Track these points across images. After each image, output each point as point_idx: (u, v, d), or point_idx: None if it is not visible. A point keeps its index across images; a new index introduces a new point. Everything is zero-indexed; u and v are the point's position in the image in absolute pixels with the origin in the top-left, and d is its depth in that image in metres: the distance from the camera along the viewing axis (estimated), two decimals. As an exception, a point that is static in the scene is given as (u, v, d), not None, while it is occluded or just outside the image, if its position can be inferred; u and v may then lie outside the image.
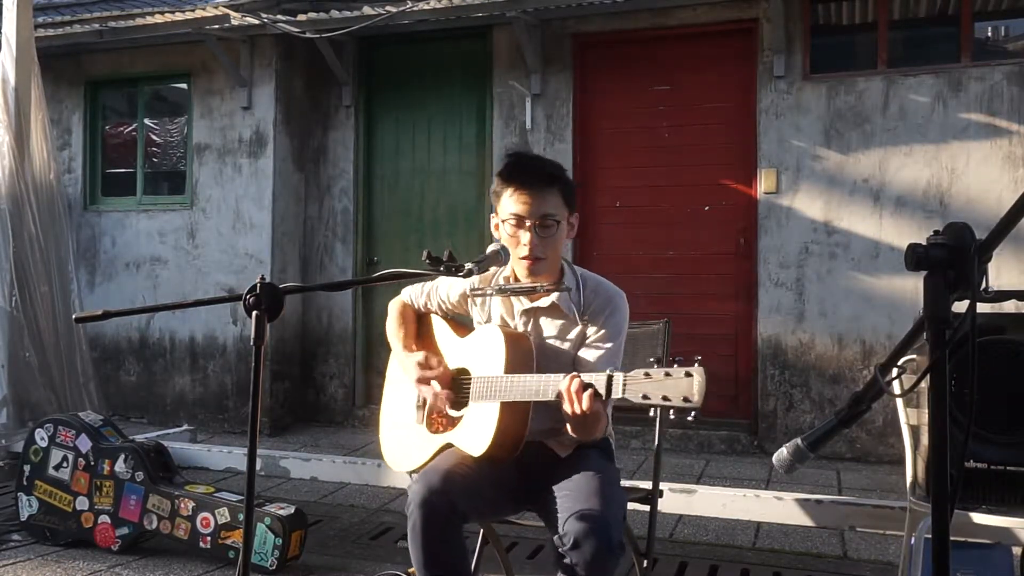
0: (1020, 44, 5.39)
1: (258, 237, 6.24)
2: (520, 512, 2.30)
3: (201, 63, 6.46)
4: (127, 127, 7.00)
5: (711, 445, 5.40)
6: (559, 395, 1.87)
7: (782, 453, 1.76)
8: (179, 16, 6.07)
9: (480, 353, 2.15)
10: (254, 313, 1.62)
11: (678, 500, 3.87)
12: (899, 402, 2.64)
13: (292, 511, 3.28)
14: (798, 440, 1.74)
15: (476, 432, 2.08)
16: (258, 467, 4.68)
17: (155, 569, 3.27)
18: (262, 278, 1.65)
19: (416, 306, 2.42)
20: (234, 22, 5.83)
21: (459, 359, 2.25)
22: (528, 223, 2.10)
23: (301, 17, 5.88)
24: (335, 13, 5.83)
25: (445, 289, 2.33)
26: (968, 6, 5.15)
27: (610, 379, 1.79)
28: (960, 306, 1.29)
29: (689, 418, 1.70)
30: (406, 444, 2.29)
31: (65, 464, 3.52)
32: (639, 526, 2.44)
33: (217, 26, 5.94)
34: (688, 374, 1.68)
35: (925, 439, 2.42)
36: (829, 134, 5.30)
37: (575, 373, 1.87)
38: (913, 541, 2.37)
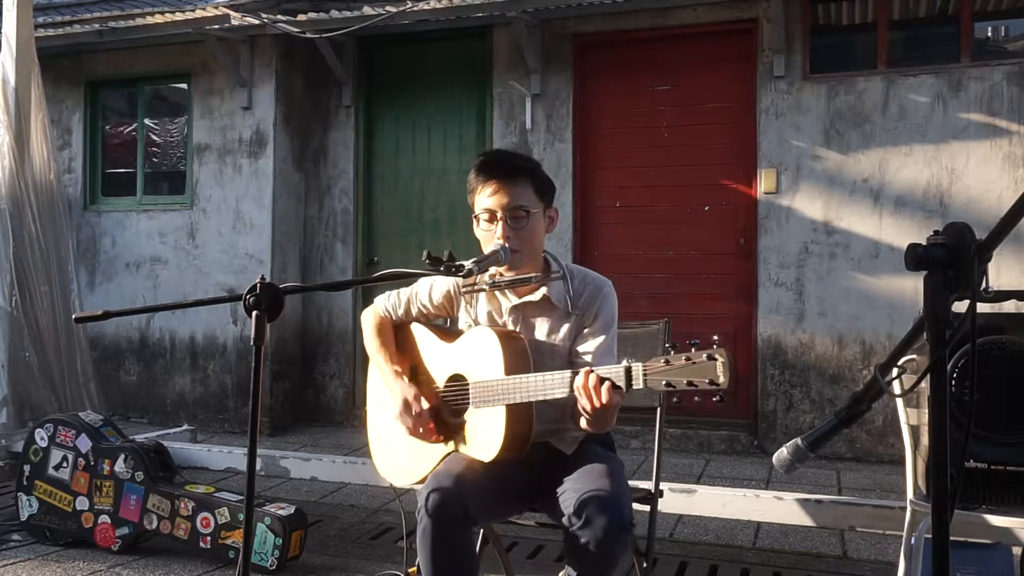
0: (1020, 44, 5.39)
1: (258, 237, 6.25)
2: (528, 511, 2.30)
3: (201, 63, 6.46)
4: (127, 127, 7.00)
5: (711, 445, 5.40)
6: (575, 391, 1.86)
7: (782, 453, 1.76)
8: (179, 16, 6.07)
9: (475, 357, 2.12)
10: (254, 313, 1.61)
11: (678, 500, 3.87)
12: (899, 402, 2.64)
13: (292, 511, 3.28)
14: (798, 440, 1.74)
15: (484, 438, 2.05)
16: (258, 467, 4.68)
17: (155, 569, 3.27)
18: (262, 278, 1.65)
19: (394, 317, 2.36)
20: (234, 22, 5.83)
21: (451, 365, 2.20)
22: (500, 215, 2.10)
23: (301, 17, 5.88)
24: (335, 13, 5.84)
25: (426, 292, 2.29)
26: (968, 6, 5.15)
27: (629, 371, 1.77)
28: (960, 306, 1.29)
29: (716, 399, 1.69)
30: (402, 456, 2.26)
31: (65, 464, 3.53)
32: (639, 526, 2.43)
33: (217, 26, 5.94)
34: (711, 357, 1.65)
35: (925, 439, 2.42)
36: (829, 134, 5.30)
37: (589, 368, 1.85)
38: (913, 541, 2.37)
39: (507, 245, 2.07)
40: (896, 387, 2.38)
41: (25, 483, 3.58)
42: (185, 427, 5.82)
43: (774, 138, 5.39)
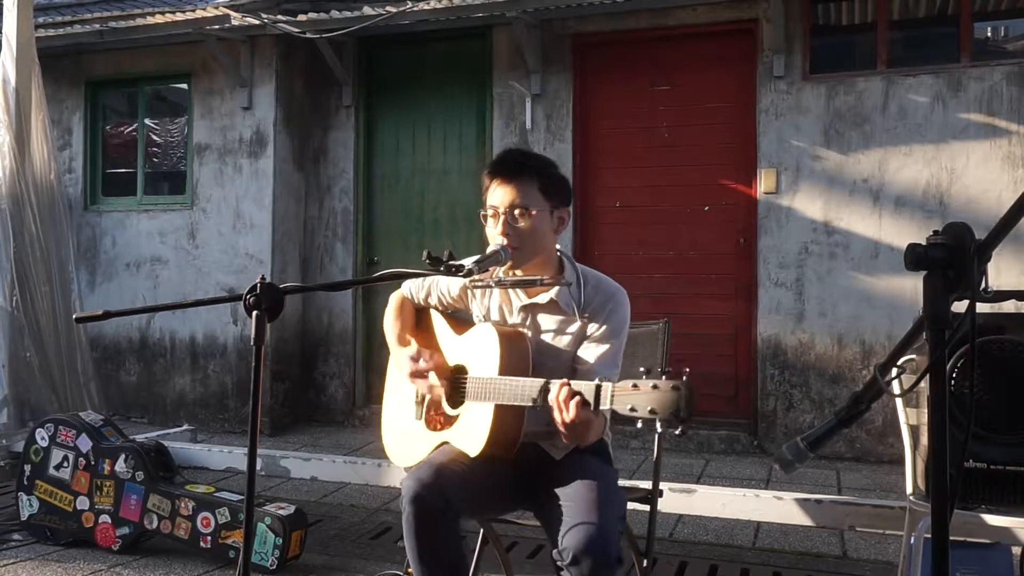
0: (1020, 44, 5.39)
1: (258, 237, 6.25)
2: (517, 511, 2.30)
3: (201, 63, 6.46)
4: (127, 127, 7.00)
5: (711, 445, 5.40)
6: (549, 403, 1.86)
7: (782, 453, 1.76)
8: (179, 16, 6.07)
9: (476, 352, 2.15)
10: (254, 313, 1.61)
11: (678, 500, 3.87)
12: (899, 402, 2.64)
13: (292, 511, 3.28)
14: (798, 440, 1.74)
15: (472, 432, 2.08)
16: (258, 467, 4.69)
17: (155, 569, 3.27)
18: (262, 278, 1.65)
19: (416, 300, 2.41)
20: (234, 22, 5.83)
21: (457, 356, 2.25)
22: (501, 211, 2.11)
23: (301, 17, 5.89)
24: (335, 13, 5.84)
25: (446, 283, 2.32)
26: (968, 6, 5.16)
27: (599, 388, 1.77)
28: (960, 306, 1.29)
29: (676, 432, 1.68)
30: (405, 439, 2.30)
31: (66, 464, 3.53)
32: (639, 526, 2.45)
33: (217, 26, 5.94)
34: (676, 388, 1.63)
35: (925, 439, 2.43)
36: (829, 134, 5.30)
37: (565, 380, 1.84)
38: (913, 541, 2.37)
39: (506, 243, 2.07)
40: (896, 387, 2.38)
41: (26, 483, 3.58)
42: (185, 427, 5.83)
43: (774, 138, 5.40)
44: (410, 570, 2.09)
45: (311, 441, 5.86)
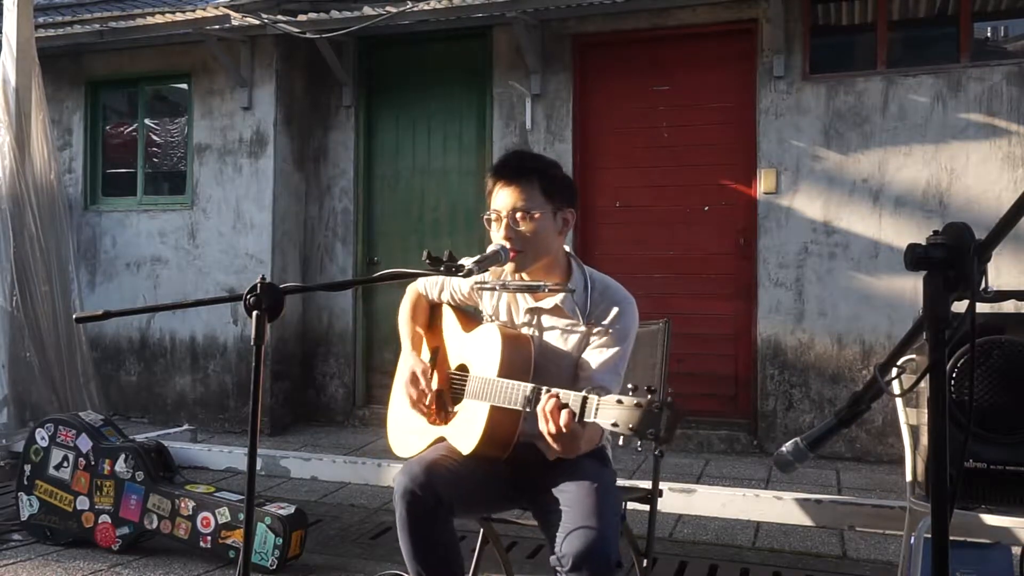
0: (1020, 44, 5.39)
1: (258, 237, 6.25)
2: (514, 510, 2.30)
3: (201, 63, 6.46)
4: (127, 127, 7.00)
5: (711, 445, 5.40)
6: (536, 412, 1.85)
7: (782, 453, 1.76)
8: (179, 16, 6.07)
9: (479, 352, 2.15)
10: (254, 313, 1.62)
11: (678, 500, 3.87)
12: (899, 402, 2.64)
13: (292, 511, 3.28)
14: (798, 440, 1.74)
15: (467, 430, 2.09)
16: (258, 467, 4.69)
17: (155, 569, 3.27)
18: (262, 278, 1.65)
19: (429, 296, 2.43)
20: (234, 22, 5.83)
21: (461, 354, 2.27)
22: (504, 214, 2.11)
23: (301, 17, 5.89)
24: (335, 13, 5.84)
25: (458, 281, 2.31)
26: (968, 6, 5.16)
27: (585, 400, 1.75)
28: (960, 306, 1.29)
29: (656, 452, 1.68)
30: (407, 431, 2.32)
31: (66, 464, 3.53)
32: (639, 526, 2.45)
33: (217, 26, 5.94)
34: (659, 408, 1.61)
35: (924, 439, 2.43)
36: (829, 134, 5.30)
37: (555, 392, 1.82)
38: (913, 541, 2.37)
39: (508, 246, 2.07)
40: (896, 387, 2.38)
41: (26, 483, 3.58)
42: (185, 427, 5.83)
43: (774, 138, 5.40)
44: (407, 568, 2.09)
45: (311, 441, 5.86)
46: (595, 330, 2.12)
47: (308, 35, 5.91)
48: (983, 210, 4.93)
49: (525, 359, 2.09)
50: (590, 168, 5.89)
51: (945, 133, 5.09)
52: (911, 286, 5.01)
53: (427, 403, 2.24)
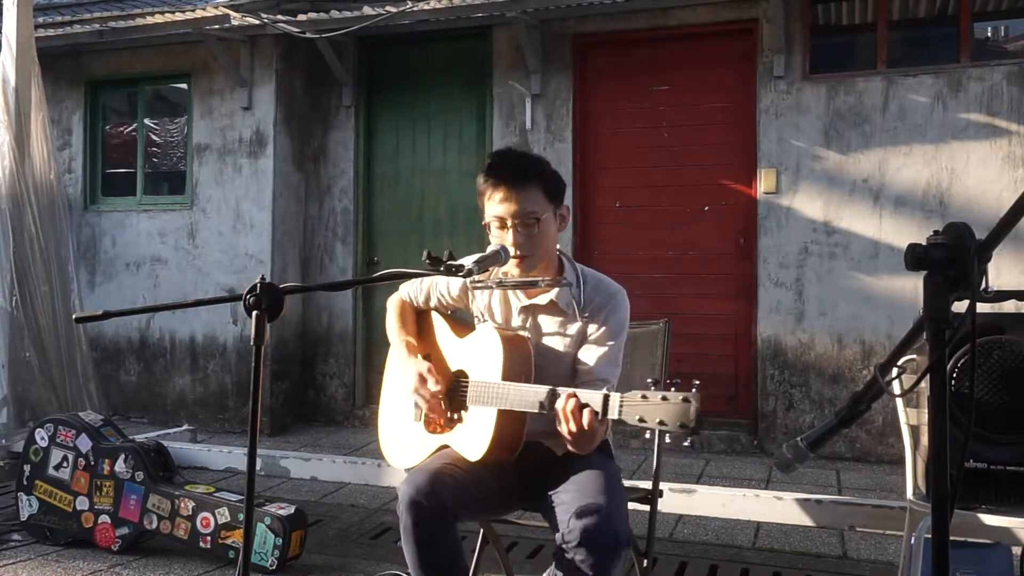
0: (1020, 44, 5.39)
1: (258, 237, 6.25)
2: (518, 511, 2.30)
3: (201, 63, 6.46)
4: (127, 127, 7.00)
5: (711, 445, 5.40)
6: (555, 414, 1.86)
7: (782, 453, 1.76)
8: (179, 16, 6.07)
9: (478, 356, 2.14)
10: (254, 313, 1.61)
11: (678, 500, 3.87)
12: (899, 402, 2.64)
13: (292, 511, 3.28)
14: (798, 440, 1.74)
15: (473, 437, 2.07)
16: (258, 467, 4.69)
17: (155, 569, 3.27)
18: (262, 278, 1.65)
19: (415, 303, 2.39)
20: (234, 22, 5.83)
21: (458, 360, 2.24)
22: (510, 223, 2.10)
23: (301, 17, 5.88)
24: (335, 13, 5.83)
25: (445, 283, 2.30)
26: (968, 6, 5.16)
27: (606, 399, 1.78)
28: (960, 306, 1.29)
29: (685, 443, 1.70)
30: (404, 442, 2.29)
31: (65, 464, 3.53)
32: (639, 526, 2.44)
33: (217, 26, 5.94)
34: (686, 400, 1.66)
35: (925, 439, 2.42)
36: (829, 134, 5.30)
37: (572, 392, 1.84)
38: (913, 541, 2.37)
39: (518, 251, 2.08)
40: (896, 387, 2.38)
41: (25, 483, 3.58)
42: (185, 427, 5.83)
43: (774, 138, 5.40)
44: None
45: (311, 441, 5.86)
46: (590, 325, 2.14)
47: (308, 35, 5.91)
48: (983, 210, 4.93)
49: (526, 360, 2.09)
50: (590, 168, 5.89)
51: (945, 133, 5.08)
52: (911, 286, 5.00)
53: (441, 401, 2.16)
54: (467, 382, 2.14)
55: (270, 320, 1.63)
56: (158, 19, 6.10)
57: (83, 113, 6.92)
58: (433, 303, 2.36)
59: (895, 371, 1.61)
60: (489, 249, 2.04)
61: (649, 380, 1.74)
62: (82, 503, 3.48)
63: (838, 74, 5.34)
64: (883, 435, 5.07)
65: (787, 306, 5.35)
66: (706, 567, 3.36)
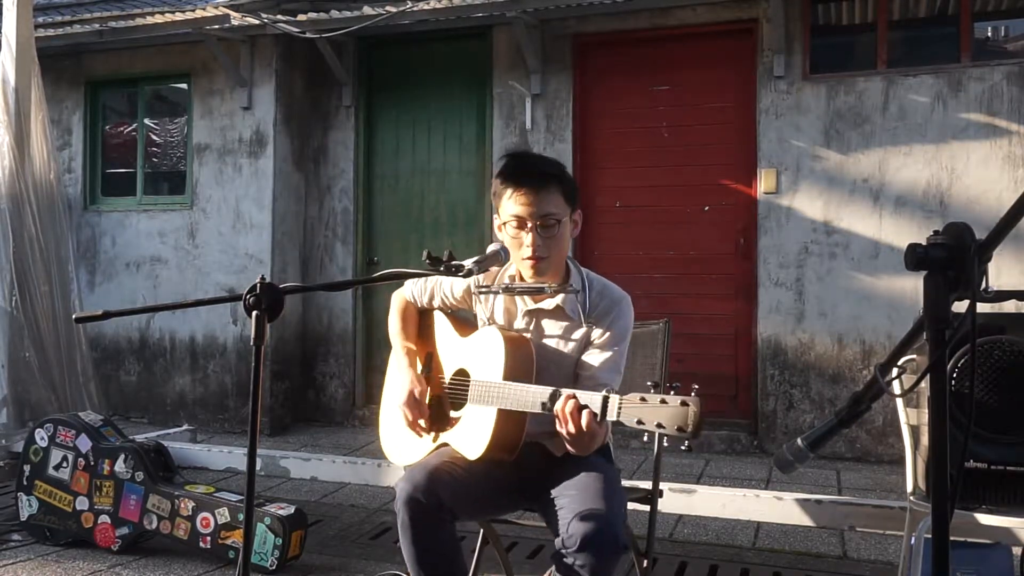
0: (1020, 44, 5.39)
1: (258, 237, 6.25)
2: (517, 511, 2.30)
3: (201, 63, 6.46)
4: (127, 127, 7.00)
5: (711, 445, 5.40)
6: (554, 415, 1.86)
7: (782, 453, 1.76)
8: (179, 16, 6.07)
9: (480, 356, 2.14)
10: (254, 313, 1.61)
11: (678, 500, 3.87)
12: (899, 402, 2.64)
13: (292, 511, 3.28)
14: (798, 440, 1.74)
15: (472, 435, 2.08)
16: (258, 467, 4.69)
17: (155, 569, 3.27)
18: (262, 278, 1.65)
19: (419, 303, 2.39)
20: (234, 22, 5.83)
21: (459, 359, 2.25)
22: (529, 224, 2.09)
23: (301, 17, 5.88)
24: (335, 13, 5.83)
25: (449, 284, 2.31)
26: (968, 6, 5.15)
27: (606, 400, 1.78)
28: (960, 306, 1.29)
29: (683, 447, 1.70)
30: (404, 439, 2.30)
31: (65, 464, 3.53)
32: (639, 526, 2.44)
33: (217, 26, 5.94)
34: (684, 403, 1.67)
35: (925, 439, 2.42)
36: (829, 134, 5.30)
37: (571, 393, 1.85)
38: (913, 541, 2.37)
39: (535, 252, 2.09)
40: (896, 387, 2.38)
41: (25, 483, 3.58)
42: (185, 427, 5.83)
43: (774, 138, 5.39)
44: (409, 575, 2.09)
45: (311, 441, 5.86)
46: (595, 330, 2.14)
47: (308, 35, 5.91)
48: (983, 210, 4.93)
49: (528, 361, 2.09)
50: (590, 168, 5.89)
51: (945, 133, 5.08)
52: (911, 286, 5.00)
53: (423, 426, 2.19)
54: (468, 381, 2.14)
55: (270, 320, 1.63)
56: (158, 19, 6.10)
57: (83, 113, 6.92)
58: (437, 303, 2.37)
59: (895, 371, 1.61)
60: (489, 249, 2.04)
61: (649, 383, 1.74)
62: (82, 503, 3.48)
63: (838, 74, 5.34)
64: (883, 435, 5.07)
65: (787, 306, 5.35)
66: (706, 567, 3.36)
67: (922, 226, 5.03)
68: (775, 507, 3.75)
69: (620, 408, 1.75)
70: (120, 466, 3.45)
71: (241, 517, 3.24)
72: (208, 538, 3.31)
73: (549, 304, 2.17)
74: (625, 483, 2.36)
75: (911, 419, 2.56)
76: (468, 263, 1.89)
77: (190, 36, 6.14)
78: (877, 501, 3.87)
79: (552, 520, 2.00)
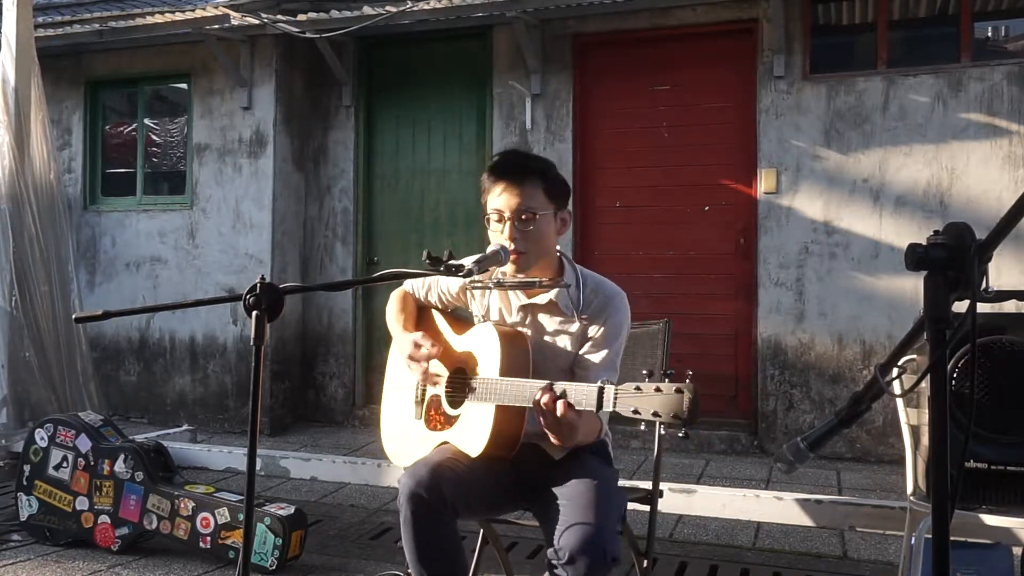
0: (1020, 44, 5.39)
1: (258, 237, 6.24)
2: (517, 511, 2.30)
3: (201, 63, 6.46)
4: (127, 127, 7.00)
5: (711, 445, 5.40)
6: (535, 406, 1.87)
7: (782, 453, 1.76)
8: (179, 16, 6.06)
9: (477, 353, 2.15)
10: (254, 313, 1.61)
11: (678, 500, 3.87)
12: (899, 402, 2.64)
13: (292, 511, 3.28)
14: (798, 440, 1.74)
15: (473, 432, 2.08)
16: (258, 467, 4.69)
17: (155, 569, 3.27)
18: (262, 278, 1.65)
19: (417, 296, 2.41)
20: (234, 22, 5.83)
21: (456, 357, 2.24)
22: (507, 217, 2.11)
23: (301, 17, 5.88)
24: (335, 13, 5.83)
25: (446, 281, 2.31)
26: (968, 6, 5.15)
27: (601, 391, 1.78)
28: (960, 306, 1.29)
29: (680, 434, 1.69)
30: (404, 439, 2.30)
31: (65, 464, 3.53)
32: (639, 526, 2.44)
33: (217, 26, 5.94)
34: (679, 390, 1.65)
35: (925, 439, 2.42)
36: (829, 134, 5.30)
37: (548, 384, 1.86)
38: (913, 541, 2.37)
39: (513, 246, 2.08)
40: (896, 387, 2.38)
41: (25, 483, 3.58)
42: (185, 427, 5.83)
43: (774, 138, 5.39)
44: (411, 571, 2.09)
45: (311, 441, 5.86)
46: (590, 327, 2.14)
47: (308, 35, 5.91)
48: (984, 210, 4.93)
49: (524, 355, 2.10)
50: (590, 168, 5.89)
51: (945, 133, 5.08)
52: (912, 286, 5.00)
53: (434, 351, 2.16)
54: (465, 379, 2.14)
55: (270, 320, 1.63)
56: (158, 19, 6.09)
57: (83, 113, 6.92)
58: (434, 299, 2.37)
59: (895, 371, 1.61)
60: (489, 249, 2.04)
61: (644, 372, 1.74)
62: (82, 503, 3.48)
63: (838, 74, 5.33)
64: (883, 435, 5.07)
65: (787, 306, 5.35)
66: (706, 567, 3.36)
67: (922, 226, 5.03)
68: (775, 507, 3.75)
69: (616, 398, 1.75)
70: (120, 466, 3.45)
71: (241, 517, 3.24)
72: (208, 538, 3.31)
73: (542, 299, 2.17)
74: (625, 483, 2.36)
75: (911, 419, 2.55)
76: (468, 263, 1.89)
77: (190, 36, 6.14)
78: (877, 501, 3.87)
79: (546, 525, 2.00)
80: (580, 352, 2.14)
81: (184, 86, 6.68)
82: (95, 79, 6.91)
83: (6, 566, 3.26)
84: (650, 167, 5.75)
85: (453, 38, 6.19)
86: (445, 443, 2.17)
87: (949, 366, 2.27)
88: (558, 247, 2.25)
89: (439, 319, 2.37)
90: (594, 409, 1.80)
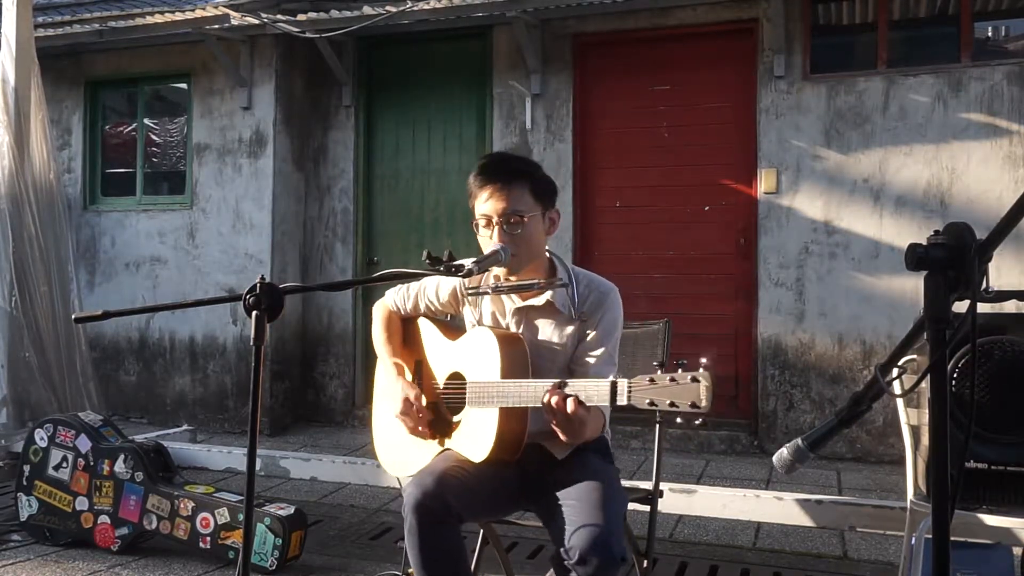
0: (1020, 44, 5.38)
1: (258, 237, 6.24)
2: (519, 511, 2.30)
3: (201, 63, 6.46)
4: (127, 127, 6.99)
5: (711, 445, 5.40)
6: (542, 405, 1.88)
7: (782, 453, 1.76)
8: (179, 16, 6.06)
9: (474, 357, 2.13)
10: (254, 313, 1.61)
11: (678, 500, 3.87)
12: (899, 402, 2.64)
13: (292, 511, 3.28)
14: (798, 440, 1.74)
15: (476, 438, 2.06)
16: (258, 467, 4.68)
17: (155, 569, 3.27)
18: (262, 278, 1.65)
19: (402, 311, 2.38)
20: (234, 22, 5.83)
21: (452, 363, 2.22)
22: (496, 221, 2.10)
23: (301, 17, 5.88)
24: (335, 13, 5.83)
25: (433, 289, 2.31)
26: (968, 6, 5.15)
27: (614, 386, 1.79)
28: (960, 306, 1.29)
29: (697, 422, 1.70)
30: (402, 447, 2.27)
31: (65, 464, 3.52)
32: (639, 526, 2.44)
33: (217, 26, 5.94)
34: (695, 379, 1.66)
35: (925, 439, 2.42)
36: (829, 134, 5.30)
37: (556, 382, 1.86)
38: (913, 541, 2.37)
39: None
40: (896, 387, 2.37)
41: (25, 483, 3.58)
42: (185, 427, 5.83)
43: (774, 138, 5.39)
44: (410, 571, 2.08)
45: (311, 441, 5.85)
46: (587, 324, 2.15)
47: (308, 35, 5.91)
48: (984, 210, 4.93)
49: (523, 357, 2.09)
50: (590, 168, 5.89)
51: (946, 133, 5.08)
52: (912, 286, 5.00)
53: (426, 426, 2.18)
54: (463, 384, 2.13)
55: (270, 320, 1.63)
56: (158, 19, 6.09)
57: (83, 113, 6.91)
58: (422, 308, 2.36)
59: (895, 371, 1.60)
60: (489, 250, 2.04)
61: (655, 363, 1.74)
62: (82, 503, 3.48)
63: (838, 74, 5.33)
64: (883, 435, 5.07)
65: (787, 306, 5.35)
66: (706, 568, 3.36)
67: (922, 226, 5.02)
68: (775, 507, 3.75)
69: (630, 392, 1.75)
70: (120, 466, 3.45)
71: (241, 517, 3.24)
72: (208, 538, 3.31)
73: (539, 301, 2.17)
74: (625, 483, 2.36)
75: (911, 419, 2.55)
76: (468, 263, 1.89)
77: (190, 36, 6.14)
78: (877, 501, 3.87)
79: (551, 524, 2.00)
80: (578, 349, 2.15)
81: (184, 86, 6.68)
82: (95, 79, 6.91)
83: (6, 566, 3.26)
84: (650, 167, 5.75)
85: (453, 38, 6.19)
86: (447, 450, 2.16)
87: (949, 366, 2.27)
88: (547, 247, 2.25)
89: (428, 327, 2.34)
90: (607, 404, 1.81)
